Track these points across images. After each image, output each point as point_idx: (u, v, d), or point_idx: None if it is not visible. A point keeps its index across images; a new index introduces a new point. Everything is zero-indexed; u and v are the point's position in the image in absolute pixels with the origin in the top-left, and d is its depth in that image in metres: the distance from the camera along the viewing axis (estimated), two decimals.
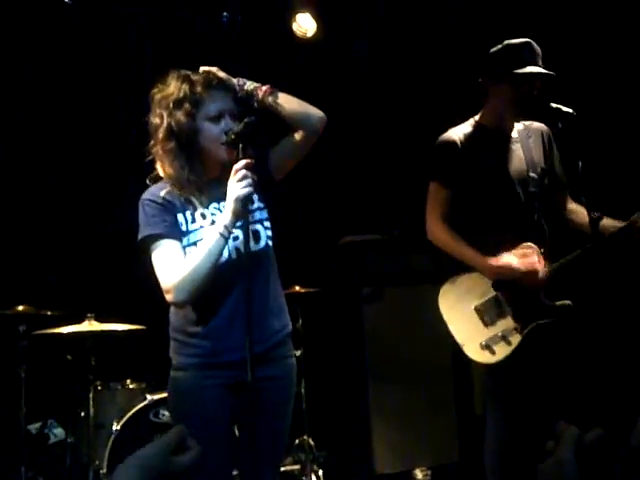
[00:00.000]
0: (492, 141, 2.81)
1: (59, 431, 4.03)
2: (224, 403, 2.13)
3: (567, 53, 2.88)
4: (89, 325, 3.66)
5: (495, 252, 2.71)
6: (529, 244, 2.71)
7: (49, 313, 3.80)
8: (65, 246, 4.31)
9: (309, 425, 4.03)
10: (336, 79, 4.66)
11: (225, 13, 4.53)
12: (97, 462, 3.52)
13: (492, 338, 2.68)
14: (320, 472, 4.01)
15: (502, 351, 2.67)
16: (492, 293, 2.72)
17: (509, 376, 2.69)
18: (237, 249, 2.13)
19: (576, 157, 2.57)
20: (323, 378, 4.34)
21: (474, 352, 2.69)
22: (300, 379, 3.99)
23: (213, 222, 2.13)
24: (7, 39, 4.11)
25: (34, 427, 4.00)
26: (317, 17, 4.54)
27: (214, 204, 2.17)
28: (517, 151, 2.81)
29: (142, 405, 3.53)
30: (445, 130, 2.87)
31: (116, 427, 3.51)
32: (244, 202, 2.03)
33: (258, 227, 2.16)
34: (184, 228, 2.13)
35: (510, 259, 2.66)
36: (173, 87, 2.15)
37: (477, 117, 2.86)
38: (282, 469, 3.91)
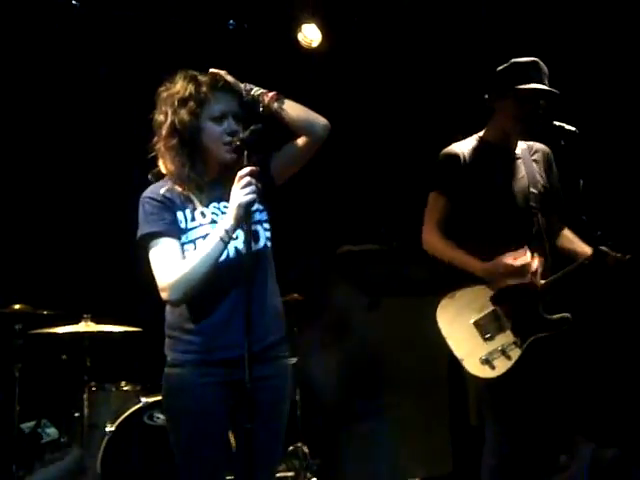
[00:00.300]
0: (495, 157, 2.83)
1: (52, 431, 4.02)
2: (219, 401, 2.13)
3: (571, 72, 2.90)
4: (85, 326, 3.67)
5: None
6: (523, 249, 2.71)
7: (45, 313, 3.81)
8: (63, 246, 4.31)
9: (303, 432, 4.03)
10: (339, 89, 4.68)
11: (232, 21, 4.58)
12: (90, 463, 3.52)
13: (492, 353, 2.68)
14: None
15: (502, 366, 2.67)
16: (491, 307, 2.73)
17: (509, 390, 2.69)
18: (236, 248, 2.14)
19: (578, 175, 2.58)
20: (317, 386, 4.34)
21: (474, 367, 2.69)
22: (295, 386, 3.99)
23: (213, 221, 2.15)
24: (12, 38, 4.12)
25: (27, 426, 4.00)
26: (322, 28, 4.57)
27: (214, 203, 2.19)
28: (519, 167, 2.84)
29: (136, 407, 3.53)
30: (447, 142, 2.90)
31: (110, 428, 3.50)
32: (247, 209, 2.04)
33: (258, 227, 2.18)
34: (183, 226, 2.15)
35: (503, 257, 2.67)
36: (179, 86, 2.18)
37: (481, 134, 2.88)
38: (276, 475, 3.91)
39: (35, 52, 4.20)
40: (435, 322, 2.79)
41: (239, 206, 2.04)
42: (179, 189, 2.18)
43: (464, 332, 2.73)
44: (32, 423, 3.97)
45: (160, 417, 3.46)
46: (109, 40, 4.30)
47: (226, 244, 2.08)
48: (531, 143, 2.90)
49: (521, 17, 4.20)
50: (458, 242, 2.76)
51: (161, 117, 2.18)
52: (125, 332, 3.77)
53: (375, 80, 4.71)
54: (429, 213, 2.83)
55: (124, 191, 2.29)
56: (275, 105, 2.18)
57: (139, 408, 3.52)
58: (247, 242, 2.04)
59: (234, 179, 2.08)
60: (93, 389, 3.75)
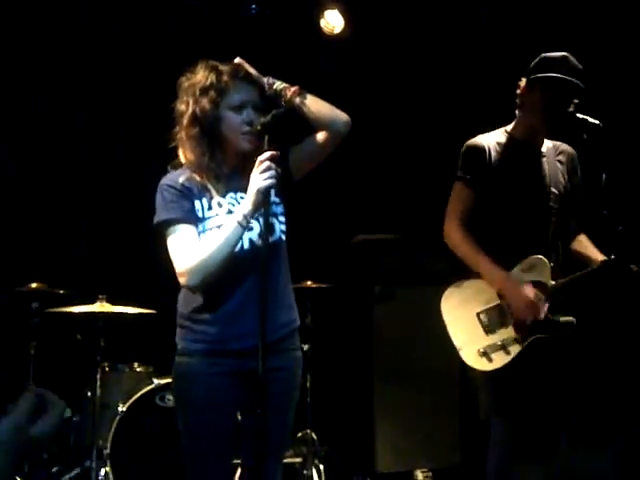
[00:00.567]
0: (519, 152, 2.80)
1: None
2: (229, 391, 2.14)
3: (595, 65, 2.86)
4: (100, 306, 3.69)
5: (505, 259, 2.70)
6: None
7: (62, 292, 3.84)
8: (81, 227, 4.34)
9: (313, 419, 4.05)
10: (360, 77, 4.66)
11: (254, 6, 4.56)
12: (101, 442, 3.55)
13: (491, 346, 2.67)
14: (321, 467, 4.02)
15: (500, 359, 2.66)
16: (497, 301, 2.71)
17: (510, 385, 2.68)
18: (251, 240, 2.14)
19: (600, 169, 2.56)
20: (329, 374, 4.35)
21: (470, 357, 2.69)
22: (306, 373, 4.00)
23: (229, 211, 2.15)
24: (24, 22, 4.13)
25: None
26: (345, 14, 4.54)
27: (231, 194, 2.19)
28: (542, 166, 2.81)
29: (148, 389, 3.56)
30: (464, 132, 2.88)
31: (122, 409, 3.54)
32: (265, 193, 2.03)
33: (273, 220, 2.17)
34: (200, 215, 2.15)
35: (520, 287, 2.65)
36: (201, 75, 2.18)
37: (508, 128, 2.86)
38: (283, 461, 3.93)
39: (53, 37, 4.21)
40: (439, 310, 2.78)
41: (258, 191, 2.04)
42: (197, 178, 2.18)
43: (466, 321, 2.72)
44: None
45: (171, 399, 3.49)
46: (130, 26, 4.30)
47: (244, 229, 2.08)
48: (558, 143, 2.88)
49: (550, 10, 4.15)
50: (475, 232, 2.74)
51: (182, 107, 2.19)
52: (139, 314, 3.79)
53: (396, 68, 4.68)
54: (453, 204, 2.80)
55: (142, 173, 2.29)
56: (297, 100, 2.18)
57: (151, 389, 3.56)
58: (265, 228, 2.04)
59: (252, 169, 2.08)
60: (106, 369, 3.78)
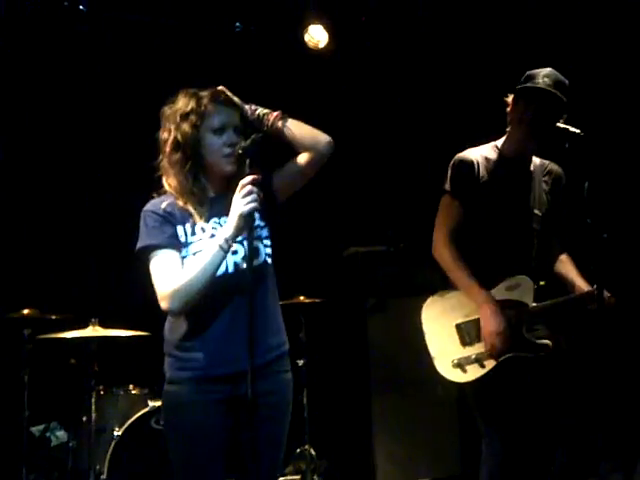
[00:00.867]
0: (506, 169, 2.82)
1: (61, 434, 4.05)
2: (219, 418, 2.12)
3: (577, 74, 2.88)
4: (93, 330, 3.68)
5: (489, 276, 2.73)
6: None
7: (53, 317, 3.83)
8: (70, 251, 4.33)
9: (310, 434, 4.04)
10: (346, 90, 4.67)
11: (238, 23, 4.58)
12: (98, 467, 3.54)
13: (466, 358, 2.70)
14: None
15: (474, 372, 2.68)
16: (477, 315, 2.73)
17: (493, 397, 2.70)
18: (235, 263, 2.14)
19: (583, 178, 2.57)
20: (325, 388, 4.35)
21: (444, 368, 2.71)
22: (302, 388, 4.00)
23: (213, 236, 2.15)
24: (18, 44, 4.14)
25: (37, 429, 4.03)
26: (329, 28, 4.56)
27: (215, 219, 2.19)
28: (528, 185, 2.83)
29: (143, 412, 3.54)
30: (454, 143, 2.90)
31: (117, 432, 3.53)
32: (247, 217, 2.04)
33: (258, 244, 2.17)
34: (183, 240, 2.16)
35: (495, 314, 2.66)
36: (181, 103, 2.21)
37: (498, 143, 2.88)
38: (283, 479, 3.92)
39: (45, 59, 4.22)
40: (419, 318, 2.81)
41: (240, 215, 2.04)
42: (180, 204, 2.18)
43: (444, 332, 2.75)
44: (42, 426, 4.00)
45: None
46: (116, 45, 4.31)
47: (225, 253, 2.08)
48: (546, 162, 2.90)
49: (532, 20, 4.18)
50: (461, 247, 2.76)
51: (165, 134, 2.21)
52: (133, 336, 3.78)
53: (382, 81, 4.70)
54: (442, 218, 2.82)
55: (133, 199, 2.29)
56: (279, 124, 2.20)
57: (146, 412, 3.54)
58: (249, 252, 2.04)
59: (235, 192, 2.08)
60: (101, 393, 3.77)
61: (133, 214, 2.32)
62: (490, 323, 2.67)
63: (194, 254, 2.13)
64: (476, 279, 2.71)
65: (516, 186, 2.82)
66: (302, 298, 4.06)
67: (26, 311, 3.77)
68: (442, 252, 2.78)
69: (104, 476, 3.48)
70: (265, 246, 2.20)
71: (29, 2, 4.07)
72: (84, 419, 3.69)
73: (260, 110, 2.23)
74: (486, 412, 2.74)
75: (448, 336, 2.74)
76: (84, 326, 3.70)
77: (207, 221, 2.18)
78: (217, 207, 2.19)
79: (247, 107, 2.23)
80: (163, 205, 2.18)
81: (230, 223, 2.08)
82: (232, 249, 2.11)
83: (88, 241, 4.35)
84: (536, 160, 2.89)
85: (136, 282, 2.29)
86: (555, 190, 2.87)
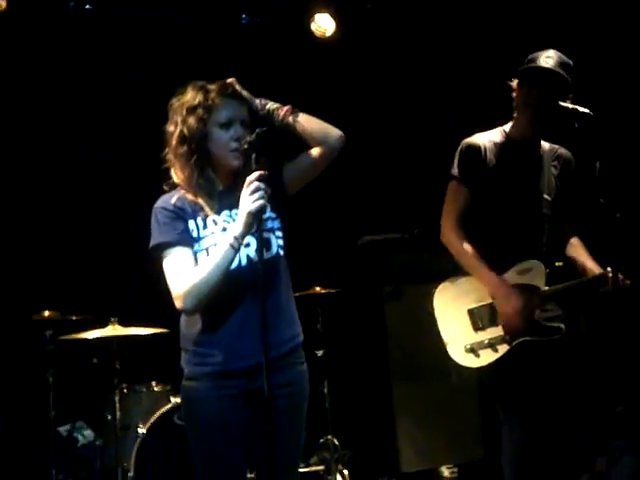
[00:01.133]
0: (515, 154, 2.80)
1: (88, 433, 4.10)
2: (237, 412, 2.14)
3: (586, 55, 2.85)
4: (113, 329, 3.72)
5: (500, 261, 2.72)
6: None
7: (74, 318, 3.87)
8: (86, 251, 4.37)
9: (333, 425, 4.05)
10: (356, 78, 4.65)
11: (244, 15, 4.57)
12: (125, 464, 3.58)
13: (479, 343, 2.70)
14: (345, 472, 4.04)
15: (487, 357, 2.68)
16: (489, 300, 2.73)
17: (512, 384, 2.69)
18: (248, 256, 2.15)
19: (594, 158, 2.54)
20: (346, 378, 4.36)
21: (457, 353, 2.72)
22: (323, 379, 4.01)
23: (224, 229, 2.15)
24: (24, 44, 4.16)
25: (64, 429, 4.08)
26: (336, 16, 4.53)
27: (226, 211, 2.20)
28: (537, 170, 2.81)
29: (166, 408, 3.57)
30: (466, 132, 2.87)
31: (142, 430, 3.56)
32: (256, 215, 2.05)
33: (270, 235, 2.18)
34: (195, 234, 2.16)
35: (510, 294, 2.66)
36: (189, 95, 2.21)
37: (506, 127, 2.86)
38: (307, 469, 3.95)
39: (49, 59, 4.24)
40: (431, 304, 2.81)
41: (249, 213, 2.05)
42: (190, 198, 2.19)
43: (456, 317, 2.75)
44: (68, 426, 4.06)
45: None
46: (123, 42, 4.32)
47: (236, 251, 2.09)
48: (556, 147, 2.88)
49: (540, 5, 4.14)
50: (471, 232, 2.75)
51: (171, 127, 2.21)
52: (152, 334, 3.81)
53: (391, 69, 4.67)
54: (449, 204, 2.81)
55: (150, 194, 2.30)
56: (290, 119, 2.19)
57: (169, 409, 3.57)
58: (260, 249, 2.05)
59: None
60: (124, 391, 3.81)
61: (147, 211, 2.34)
62: (506, 304, 2.67)
63: (207, 249, 2.14)
64: (486, 263, 2.70)
65: (525, 170, 2.80)
66: (318, 289, 4.06)
67: (47, 313, 3.82)
68: (450, 237, 2.78)
69: (131, 474, 3.51)
70: (277, 237, 2.20)
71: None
72: (109, 417, 3.74)
73: (270, 105, 2.22)
74: (503, 397, 2.74)
75: (460, 321, 2.74)
76: (104, 325, 3.74)
77: (218, 214, 2.18)
78: (227, 200, 2.19)
79: (257, 102, 2.23)
80: (173, 200, 2.19)
81: (239, 221, 2.08)
82: (245, 241, 2.11)
83: (102, 241, 4.38)
84: (545, 145, 2.86)
85: (153, 279, 2.31)
86: (565, 175, 2.85)
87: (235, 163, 2.17)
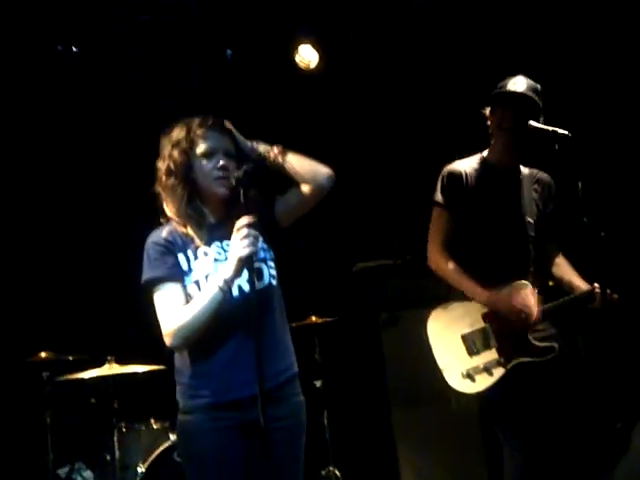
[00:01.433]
0: (496, 179, 2.85)
1: (88, 474, 4.05)
2: (233, 444, 2.14)
3: (563, 74, 2.90)
4: (110, 368, 3.71)
5: (488, 284, 2.74)
6: (524, 282, 2.74)
7: (70, 358, 3.87)
8: (82, 290, 4.38)
9: (334, 455, 4.02)
10: (344, 107, 4.70)
11: (229, 50, 4.62)
12: None
13: (474, 368, 2.70)
14: None
15: (483, 382, 2.68)
16: (481, 324, 2.75)
17: (510, 408, 2.69)
18: (240, 287, 2.17)
19: (575, 178, 2.58)
20: (345, 407, 4.34)
21: (454, 379, 2.72)
22: (322, 409, 3.99)
23: (215, 260, 2.18)
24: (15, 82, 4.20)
25: (63, 471, 4.04)
26: (319, 47, 4.59)
27: (217, 242, 2.23)
28: (518, 194, 2.85)
29: (165, 446, 3.56)
30: (452, 159, 2.91)
31: (141, 469, 3.55)
32: (246, 261, 2.07)
33: (262, 265, 2.20)
34: (185, 267, 2.19)
35: (508, 293, 2.69)
36: (174, 132, 2.29)
37: (484, 154, 2.91)
38: None
39: (39, 96, 4.28)
40: (425, 332, 2.81)
41: (239, 260, 2.08)
42: (181, 230, 2.23)
43: (451, 344, 2.76)
44: (67, 468, 4.02)
45: None
46: (111, 78, 4.37)
47: (225, 294, 2.11)
48: (535, 171, 2.93)
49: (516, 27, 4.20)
50: (458, 258, 2.77)
51: (160, 163, 2.28)
52: (149, 371, 3.80)
53: (379, 96, 4.72)
54: (434, 229, 2.86)
55: (143, 232, 2.33)
56: (280, 160, 2.25)
57: (168, 446, 3.56)
58: (251, 287, 2.07)
59: (237, 217, 2.12)
60: (123, 430, 3.78)
61: (142, 249, 2.35)
62: (507, 305, 2.68)
63: (197, 281, 2.16)
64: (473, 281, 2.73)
65: (506, 194, 2.85)
66: (314, 318, 4.07)
67: (43, 354, 3.82)
68: (437, 261, 2.81)
69: None
70: (269, 268, 2.23)
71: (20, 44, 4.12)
72: (108, 458, 3.71)
73: (261, 147, 2.28)
74: (502, 421, 2.73)
75: (455, 347, 2.75)
76: (101, 365, 3.73)
77: (209, 245, 2.21)
78: (218, 232, 2.23)
79: (249, 144, 2.28)
80: (164, 234, 2.23)
81: (229, 265, 2.11)
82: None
83: (96, 281, 4.39)
84: (524, 170, 2.91)
85: (148, 316, 2.32)
86: (546, 198, 2.89)
87: (220, 191, 2.21)
